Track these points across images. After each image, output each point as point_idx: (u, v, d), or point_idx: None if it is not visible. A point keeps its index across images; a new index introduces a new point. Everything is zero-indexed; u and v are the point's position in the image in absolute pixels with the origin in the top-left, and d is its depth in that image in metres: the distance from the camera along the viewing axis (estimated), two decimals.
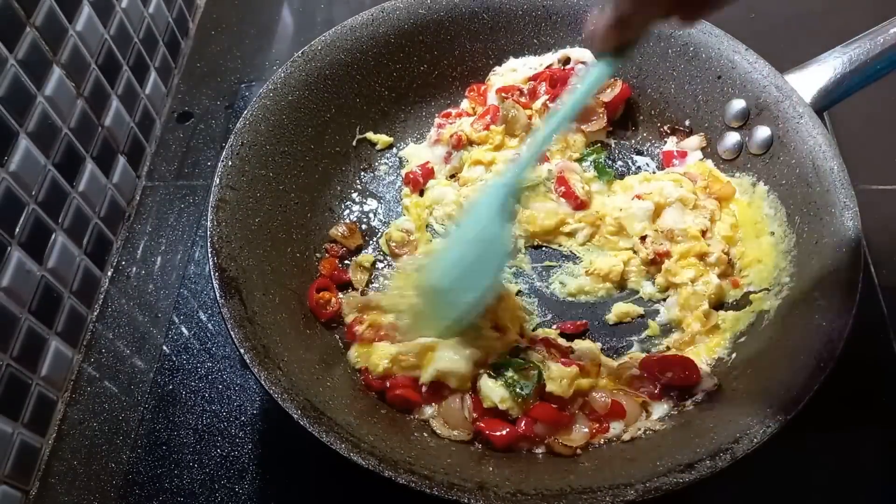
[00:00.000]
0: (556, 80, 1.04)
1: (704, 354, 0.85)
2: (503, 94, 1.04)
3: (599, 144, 1.05)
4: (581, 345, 0.87)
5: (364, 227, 1.00)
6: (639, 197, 0.95)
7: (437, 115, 1.09)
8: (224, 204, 0.84)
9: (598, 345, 0.88)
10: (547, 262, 0.97)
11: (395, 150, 1.08)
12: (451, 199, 1.00)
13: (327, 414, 0.70)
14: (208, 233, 0.81)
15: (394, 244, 0.97)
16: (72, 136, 0.95)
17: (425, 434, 0.79)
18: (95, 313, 1.01)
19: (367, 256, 0.97)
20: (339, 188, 1.02)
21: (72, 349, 0.95)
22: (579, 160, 1.02)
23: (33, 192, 0.87)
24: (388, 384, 0.82)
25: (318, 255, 0.95)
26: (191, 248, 1.07)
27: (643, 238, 0.94)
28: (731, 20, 1.01)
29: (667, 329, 0.90)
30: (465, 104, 1.09)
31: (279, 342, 0.77)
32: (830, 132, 0.91)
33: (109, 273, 1.05)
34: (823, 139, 0.86)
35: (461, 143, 1.03)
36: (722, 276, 0.90)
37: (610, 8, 0.60)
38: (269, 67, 1.28)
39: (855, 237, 0.79)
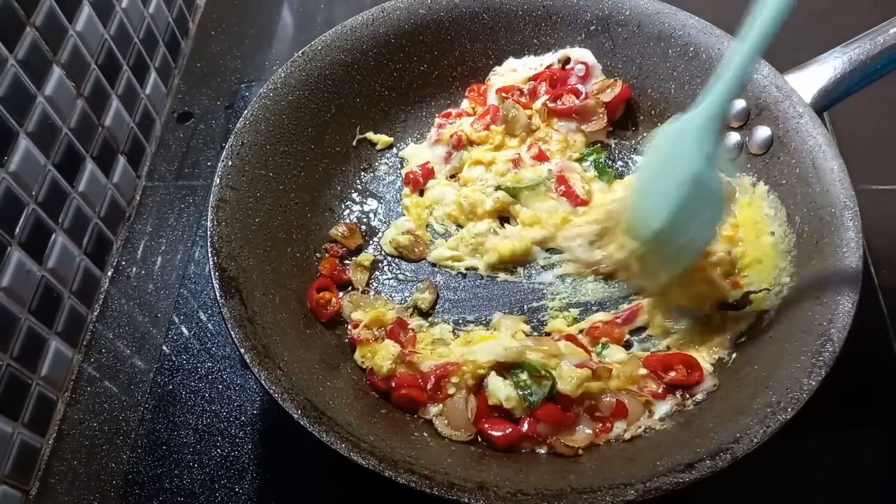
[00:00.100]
0: (556, 80, 1.04)
1: (705, 354, 0.85)
2: (503, 94, 1.04)
3: (599, 144, 1.05)
4: (616, 355, 0.86)
5: (364, 227, 1.00)
6: None
7: (437, 115, 1.09)
8: (224, 204, 0.84)
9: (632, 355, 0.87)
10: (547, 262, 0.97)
11: (395, 150, 1.08)
12: (451, 199, 1.00)
13: (327, 414, 0.70)
14: (208, 232, 0.81)
15: (403, 249, 0.97)
16: (72, 136, 0.95)
17: (426, 434, 0.79)
18: (95, 313, 1.01)
19: (367, 256, 0.97)
20: (339, 188, 1.02)
21: (72, 349, 0.95)
22: (579, 160, 1.02)
23: (33, 192, 0.87)
24: (392, 384, 0.81)
25: (318, 254, 0.95)
26: (191, 248, 1.07)
27: None
28: (731, 20, 1.01)
29: (667, 329, 0.90)
30: (465, 104, 1.09)
31: (279, 342, 0.77)
32: (830, 132, 0.91)
33: (109, 273, 1.05)
34: (823, 139, 0.86)
35: (461, 143, 1.03)
36: (724, 276, 0.90)
37: None
38: (269, 67, 1.28)
39: (855, 237, 0.79)
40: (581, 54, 1.04)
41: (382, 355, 0.83)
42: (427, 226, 1.01)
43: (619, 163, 1.06)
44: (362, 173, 1.05)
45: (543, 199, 0.98)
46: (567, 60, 1.05)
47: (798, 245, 0.85)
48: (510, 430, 0.77)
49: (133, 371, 0.96)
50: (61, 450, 0.90)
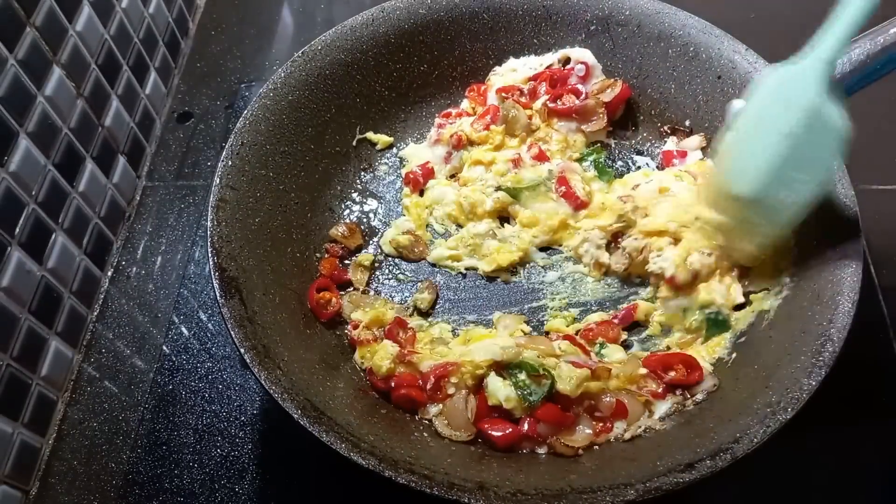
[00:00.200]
0: (556, 80, 1.04)
1: (705, 354, 0.85)
2: (503, 94, 1.04)
3: (599, 144, 1.05)
4: (615, 355, 0.86)
5: (364, 227, 1.00)
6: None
7: (437, 115, 1.09)
8: (224, 204, 0.84)
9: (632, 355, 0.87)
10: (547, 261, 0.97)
11: (395, 150, 1.08)
12: (451, 199, 1.00)
13: (327, 414, 0.70)
14: (208, 232, 0.81)
15: (403, 249, 0.97)
16: (72, 136, 0.95)
17: (426, 434, 0.79)
18: (95, 313, 1.01)
19: (367, 256, 0.97)
20: (339, 188, 1.02)
21: (72, 349, 0.95)
22: (579, 160, 1.02)
23: (33, 192, 0.87)
24: (392, 384, 0.81)
25: (318, 254, 0.95)
26: (191, 248, 1.07)
27: None
28: (731, 20, 1.01)
29: (667, 329, 0.90)
30: (465, 104, 1.09)
31: (279, 342, 0.77)
32: None
33: (109, 273, 1.05)
34: None
35: (461, 143, 1.03)
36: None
37: None
38: (269, 67, 1.28)
39: (855, 237, 0.79)
40: (581, 54, 1.04)
41: (381, 355, 0.83)
42: (427, 226, 1.01)
43: (619, 163, 1.06)
44: (362, 173, 1.05)
45: (544, 199, 0.98)
46: (567, 60, 1.05)
47: (798, 245, 0.85)
48: (510, 430, 0.77)
49: (133, 371, 0.96)
50: (61, 450, 0.90)
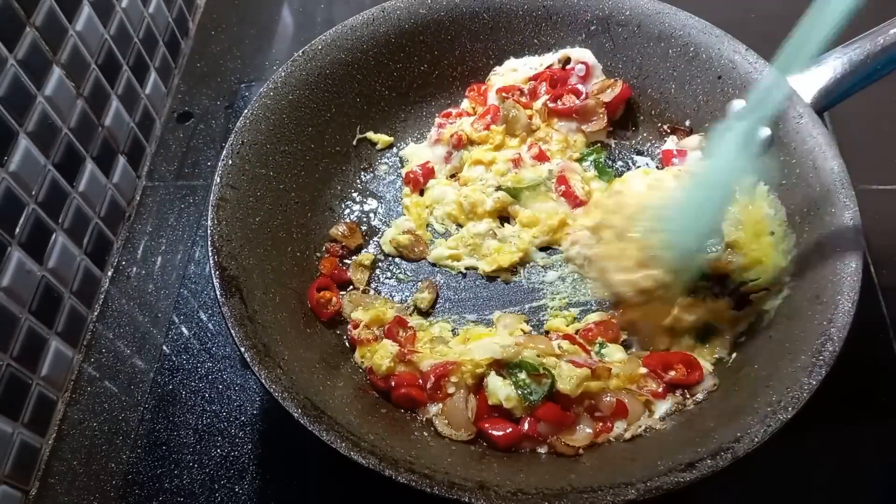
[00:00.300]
0: (557, 80, 1.04)
1: (705, 354, 0.85)
2: (503, 94, 1.04)
3: (599, 144, 1.05)
4: (615, 355, 0.86)
5: (364, 226, 1.00)
6: None
7: (437, 114, 1.09)
8: (224, 203, 0.84)
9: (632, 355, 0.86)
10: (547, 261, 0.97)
11: (395, 149, 1.08)
12: (451, 199, 1.00)
13: (327, 413, 0.70)
14: (209, 231, 0.81)
15: (403, 249, 0.97)
16: (72, 136, 0.95)
17: (426, 433, 0.79)
18: (95, 313, 1.01)
19: (367, 256, 0.97)
20: (339, 188, 1.02)
21: (72, 349, 0.95)
22: (579, 160, 1.02)
23: (33, 192, 0.87)
24: (392, 383, 0.81)
25: (318, 254, 0.95)
26: (191, 248, 1.07)
27: None
28: (731, 20, 1.01)
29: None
30: (465, 104, 1.09)
31: (279, 341, 0.77)
32: (830, 132, 0.91)
33: (109, 273, 1.05)
34: (823, 139, 0.86)
35: (461, 143, 1.03)
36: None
37: None
38: (269, 67, 1.28)
39: (855, 237, 0.79)
40: (581, 54, 1.04)
41: (381, 354, 0.83)
42: (427, 225, 1.01)
43: (619, 163, 1.06)
44: (362, 173, 1.05)
45: (544, 199, 0.98)
46: (567, 60, 1.05)
47: (798, 245, 0.85)
48: (510, 429, 0.77)
49: (133, 371, 0.96)
50: (61, 450, 0.90)
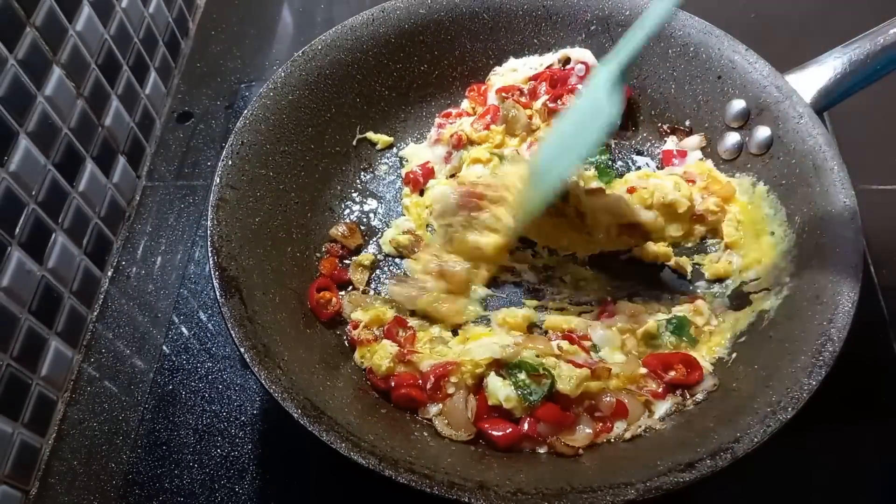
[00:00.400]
0: (557, 80, 1.04)
1: (705, 354, 0.85)
2: (503, 94, 1.04)
3: (603, 146, 1.05)
4: (615, 355, 0.86)
5: (364, 226, 1.00)
6: (631, 190, 0.95)
7: (437, 114, 1.09)
8: (224, 203, 0.84)
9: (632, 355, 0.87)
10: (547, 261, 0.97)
11: (395, 149, 1.08)
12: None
13: (327, 413, 0.70)
14: (208, 232, 0.81)
15: (403, 249, 0.97)
16: (72, 136, 0.95)
17: (426, 434, 0.79)
18: (95, 313, 1.01)
19: (367, 256, 0.97)
20: (339, 188, 1.02)
21: (72, 349, 0.95)
22: None
23: (33, 192, 0.87)
24: (392, 383, 0.81)
25: (318, 254, 0.95)
26: (191, 248, 1.07)
27: None
28: (731, 20, 1.01)
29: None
30: (465, 104, 1.09)
31: (279, 341, 0.77)
32: (830, 132, 0.91)
33: (109, 273, 1.05)
34: (823, 139, 0.86)
35: (461, 143, 1.03)
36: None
37: None
38: (269, 67, 1.28)
39: (855, 237, 0.79)
40: (581, 54, 1.04)
41: (381, 354, 0.83)
42: (427, 226, 1.01)
43: (620, 163, 1.06)
44: (362, 173, 1.05)
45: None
46: (567, 60, 1.05)
47: (798, 245, 0.85)
48: (510, 429, 0.77)
49: (133, 371, 0.96)
50: (61, 450, 0.90)
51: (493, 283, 0.96)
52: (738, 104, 0.95)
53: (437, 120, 1.08)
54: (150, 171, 1.16)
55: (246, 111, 0.91)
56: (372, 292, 0.95)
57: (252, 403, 0.91)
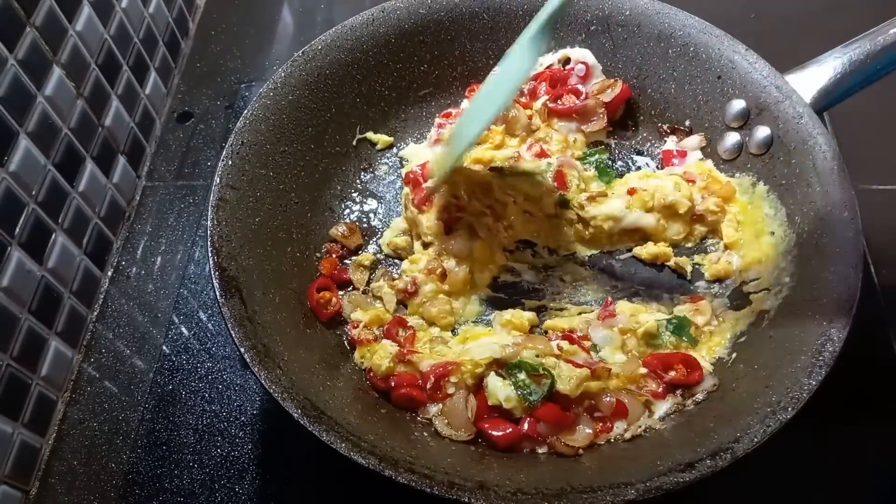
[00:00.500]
0: (556, 80, 1.04)
1: (705, 354, 0.85)
2: None
3: (603, 146, 1.05)
4: (615, 355, 0.86)
5: (364, 226, 1.00)
6: (632, 192, 0.96)
7: (437, 114, 1.08)
8: (224, 203, 0.84)
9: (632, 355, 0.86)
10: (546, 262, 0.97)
11: (395, 149, 1.08)
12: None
13: (327, 413, 0.70)
14: (208, 232, 0.81)
15: (402, 251, 0.97)
16: (72, 136, 0.95)
17: (426, 434, 0.79)
18: (95, 313, 1.01)
19: (367, 256, 0.97)
20: (339, 188, 1.02)
21: (72, 349, 0.95)
22: (581, 160, 1.02)
23: (33, 192, 0.87)
24: (392, 383, 0.81)
25: (318, 254, 0.95)
26: (191, 248, 1.07)
27: None
28: (731, 20, 1.01)
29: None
30: (465, 104, 1.09)
31: (279, 341, 0.77)
32: (830, 132, 0.91)
33: (109, 273, 1.05)
34: (823, 139, 0.86)
35: None
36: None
37: None
38: (269, 67, 1.29)
39: (855, 237, 0.79)
40: (581, 54, 1.04)
41: (380, 354, 0.83)
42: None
43: (620, 163, 1.06)
44: (362, 173, 1.05)
45: (537, 186, 0.97)
46: (567, 60, 1.05)
47: (798, 245, 0.85)
48: (510, 429, 0.77)
49: (133, 371, 0.96)
50: (61, 450, 0.90)
51: (493, 283, 0.96)
52: (737, 104, 0.95)
53: (437, 120, 1.08)
54: (150, 171, 1.16)
55: (246, 111, 0.91)
56: (372, 292, 0.95)
57: (252, 403, 0.91)
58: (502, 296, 0.94)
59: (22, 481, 0.85)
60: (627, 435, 0.78)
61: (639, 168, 1.05)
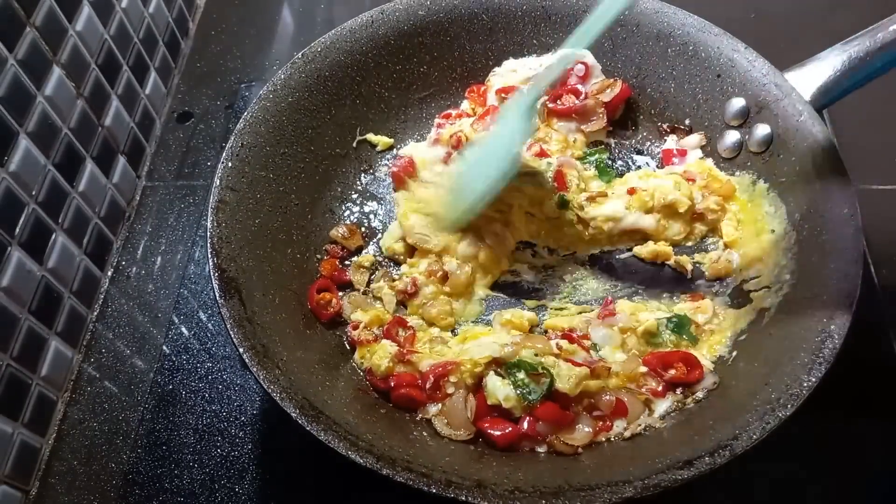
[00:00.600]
0: (556, 81, 1.04)
1: (705, 352, 0.85)
2: (503, 95, 1.04)
3: (603, 146, 1.05)
4: (614, 353, 0.86)
5: (364, 228, 1.00)
6: (632, 192, 0.96)
7: (437, 115, 1.08)
8: (224, 205, 0.84)
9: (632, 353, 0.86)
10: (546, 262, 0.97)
11: (395, 151, 1.08)
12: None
13: (326, 413, 0.70)
14: (208, 234, 0.81)
15: (399, 256, 0.97)
16: (72, 136, 0.95)
17: (425, 433, 0.79)
18: (95, 313, 1.01)
19: (367, 257, 0.97)
20: (339, 189, 1.02)
21: (72, 349, 0.95)
22: (581, 159, 1.02)
23: (33, 192, 0.87)
24: (392, 383, 0.81)
25: (318, 255, 0.95)
26: (191, 248, 1.07)
27: None
28: (731, 19, 1.01)
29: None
30: (465, 105, 1.09)
31: (278, 342, 0.77)
32: (830, 131, 0.91)
33: (109, 273, 1.05)
34: (823, 137, 0.86)
35: (461, 144, 1.03)
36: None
37: None
38: (269, 68, 1.29)
39: (855, 236, 0.78)
40: (581, 54, 1.03)
41: (380, 354, 0.83)
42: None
43: (619, 163, 1.06)
44: (362, 175, 1.05)
45: (537, 185, 0.97)
46: None
47: (798, 243, 0.85)
48: (510, 429, 0.77)
49: (133, 371, 0.96)
50: (61, 450, 0.90)
51: (493, 283, 0.96)
52: (737, 102, 0.95)
53: (437, 121, 1.08)
54: (150, 171, 1.16)
55: (245, 113, 0.91)
56: (372, 293, 0.95)
57: (252, 403, 0.91)
58: (502, 296, 0.94)
59: (22, 481, 0.85)
60: (627, 433, 0.78)
61: (639, 167, 1.05)
